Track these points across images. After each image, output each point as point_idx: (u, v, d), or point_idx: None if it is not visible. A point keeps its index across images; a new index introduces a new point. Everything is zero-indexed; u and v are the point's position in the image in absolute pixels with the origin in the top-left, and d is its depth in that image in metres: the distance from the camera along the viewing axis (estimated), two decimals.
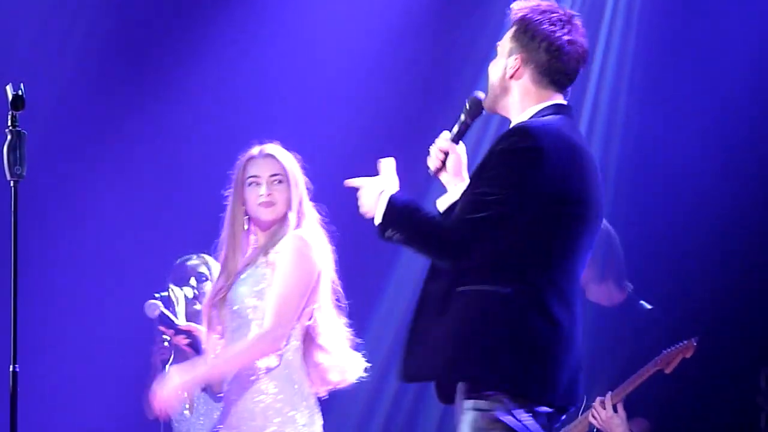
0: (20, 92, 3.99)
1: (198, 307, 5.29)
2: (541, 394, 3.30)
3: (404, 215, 3.46)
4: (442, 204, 3.65)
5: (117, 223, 6.88)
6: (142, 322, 5.38)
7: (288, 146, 4.82)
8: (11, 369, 4.14)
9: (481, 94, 3.65)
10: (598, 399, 5.33)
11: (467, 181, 3.58)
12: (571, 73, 3.57)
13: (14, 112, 3.98)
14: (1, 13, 6.89)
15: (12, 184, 3.96)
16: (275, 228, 4.36)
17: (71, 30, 6.98)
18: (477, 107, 3.67)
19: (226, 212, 4.51)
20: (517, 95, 3.59)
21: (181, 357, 5.00)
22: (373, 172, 3.81)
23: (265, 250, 4.34)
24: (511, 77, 3.57)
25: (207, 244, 5.50)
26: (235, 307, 4.30)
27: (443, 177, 3.74)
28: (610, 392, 5.35)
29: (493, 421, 3.29)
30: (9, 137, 3.99)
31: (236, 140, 5.33)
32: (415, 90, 6.98)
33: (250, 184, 4.38)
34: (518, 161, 3.38)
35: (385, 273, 7.12)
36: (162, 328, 4.91)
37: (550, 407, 3.32)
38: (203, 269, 5.57)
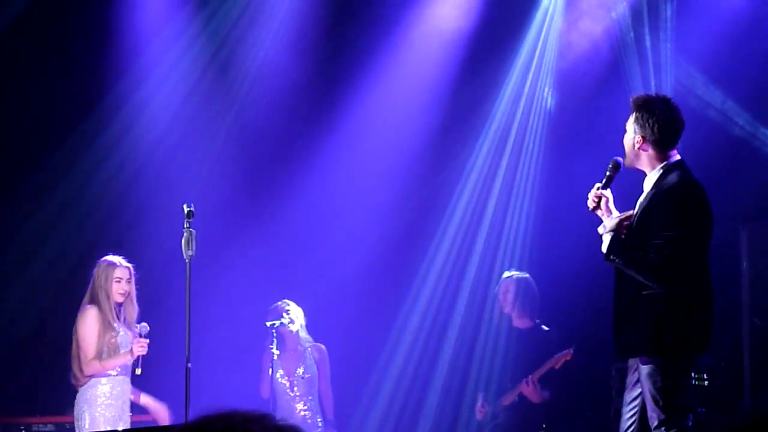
0: (191, 208, 5.31)
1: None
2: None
3: (622, 249, 4.22)
4: (600, 230, 4.45)
5: (256, 277, 7.97)
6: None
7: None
8: (186, 366, 5.25)
9: (620, 159, 4.46)
10: (525, 379, 6.75)
11: (615, 214, 4.40)
12: (677, 138, 4.35)
13: (188, 220, 5.35)
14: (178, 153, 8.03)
15: (187, 262, 5.35)
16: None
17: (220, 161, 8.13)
18: (617, 166, 4.46)
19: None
20: (645, 159, 4.36)
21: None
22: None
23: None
24: (639, 148, 4.35)
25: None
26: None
27: (598, 212, 4.47)
28: (530, 375, 6.73)
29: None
30: (185, 234, 5.36)
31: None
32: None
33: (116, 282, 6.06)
34: (685, 210, 4.14)
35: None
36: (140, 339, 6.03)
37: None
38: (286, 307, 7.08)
